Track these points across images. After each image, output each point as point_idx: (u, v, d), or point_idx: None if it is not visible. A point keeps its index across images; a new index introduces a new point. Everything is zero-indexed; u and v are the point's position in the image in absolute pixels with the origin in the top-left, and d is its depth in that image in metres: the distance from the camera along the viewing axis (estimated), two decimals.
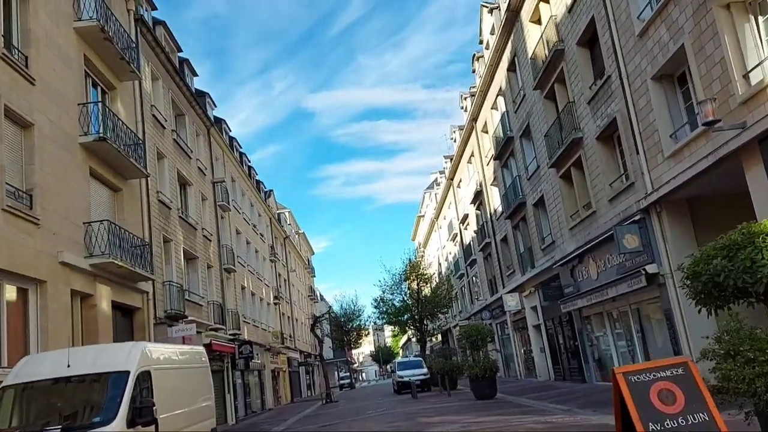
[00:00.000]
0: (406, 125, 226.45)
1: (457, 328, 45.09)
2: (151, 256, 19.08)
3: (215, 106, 31.88)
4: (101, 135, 15.40)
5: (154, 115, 21.16)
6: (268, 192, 48.31)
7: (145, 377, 8.79)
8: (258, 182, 44.14)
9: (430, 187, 61.38)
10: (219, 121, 32.95)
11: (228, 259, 28.77)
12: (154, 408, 8.33)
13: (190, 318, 21.25)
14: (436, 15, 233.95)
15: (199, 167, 26.52)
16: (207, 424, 11.20)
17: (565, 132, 19.38)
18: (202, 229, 25.78)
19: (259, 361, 33.12)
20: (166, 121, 22.47)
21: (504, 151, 27.54)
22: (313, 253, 76.16)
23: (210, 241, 26.68)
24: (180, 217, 22.75)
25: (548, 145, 21.14)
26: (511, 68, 25.16)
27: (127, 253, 16.43)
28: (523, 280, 27.00)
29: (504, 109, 27.13)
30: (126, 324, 17.68)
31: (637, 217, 14.97)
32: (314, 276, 71.95)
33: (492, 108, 29.47)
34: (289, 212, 61.27)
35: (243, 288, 32.26)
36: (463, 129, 36.95)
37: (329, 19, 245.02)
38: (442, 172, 51.67)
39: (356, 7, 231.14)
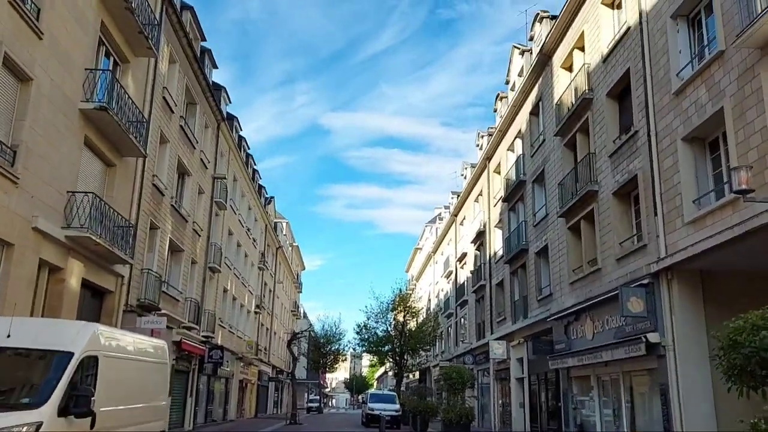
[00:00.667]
0: (419, 158, 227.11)
1: (438, 368, 43.89)
2: (134, 239, 18.27)
3: (230, 102, 31.35)
4: (104, 104, 14.71)
5: (164, 98, 20.52)
6: (269, 199, 47.61)
7: (91, 363, 7.92)
8: (260, 187, 43.44)
9: (432, 221, 60.72)
10: (231, 118, 32.40)
11: (215, 258, 27.87)
12: (92, 399, 7.42)
13: (163, 311, 20.30)
14: (464, 57, 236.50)
15: (201, 159, 25.81)
16: (156, 426, 10.23)
17: (581, 183, 18.69)
18: (194, 222, 24.96)
19: (228, 369, 31.96)
20: (176, 106, 21.83)
21: (514, 194, 26.83)
22: (304, 269, 75.09)
23: (199, 236, 25.83)
24: (172, 205, 21.95)
25: (561, 194, 20.42)
26: (534, 111, 24.61)
27: (109, 231, 15.61)
28: (513, 329, 26.01)
29: (521, 151, 26.51)
30: (94, 306, 16.76)
31: (645, 281, 14.14)
32: (301, 292, 70.76)
33: (508, 149, 28.87)
34: (286, 223, 60.49)
35: (225, 291, 31.28)
36: (475, 167, 36.32)
37: (360, 43, 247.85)
38: (446, 207, 51.00)
39: (389, 36, 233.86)
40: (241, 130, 34.77)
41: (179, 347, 22.65)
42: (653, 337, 13.56)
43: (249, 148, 37.88)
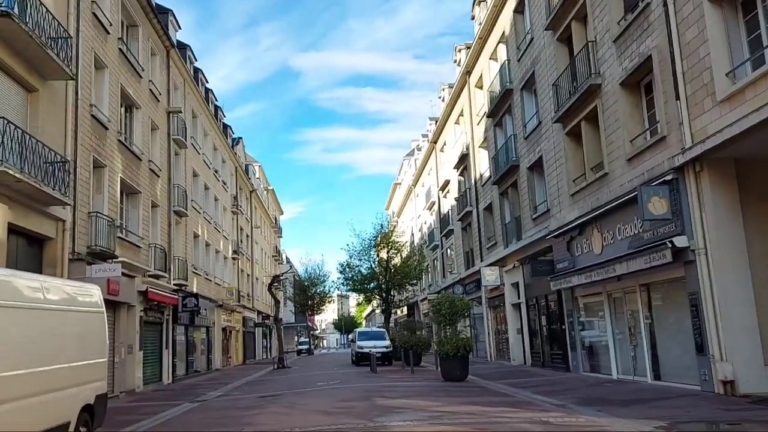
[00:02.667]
0: (392, 95, 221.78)
1: (426, 301, 42.61)
2: (74, 178, 15.86)
3: (179, 27, 28.16)
4: (6, 9, 11.98)
5: (94, 14, 17.62)
6: (237, 139, 44.72)
7: None
8: (226, 126, 40.52)
9: (410, 153, 58.30)
10: (183, 47, 29.28)
11: (179, 201, 25.46)
12: None
13: (121, 259, 18.06)
14: None
15: (151, 91, 23.00)
16: (88, 390, 8.19)
17: (580, 79, 16.48)
18: (150, 161, 22.40)
19: (208, 317, 30.09)
20: (111, 25, 18.90)
21: (500, 107, 24.55)
22: (282, 213, 72.79)
23: (158, 176, 23.31)
24: (120, 141, 19.36)
25: (556, 97, 18.22)
26: (519, 9, 22.08)
27: (38, 168, 13.18)
28: (505, 254, 24.31)
29: (505, 58, 24.06)
30: (32, 255, 14.46)
31: (668, 177, 12.17)
32: (281, 237, 68.72)
33: (491, 58, 26.39)
34: (259, 166, 57.75)
35: (196, 236, 29.01)
36: (453, 87, 33.78)
37: None
38: (425, 136, 48.61)
39: None
40: (196, 60, 31.67)
41: (146, 297, 20.56)
42: (680, 241, 11.71)
43: (207, 82, 34.81)
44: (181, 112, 26.15)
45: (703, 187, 11.49)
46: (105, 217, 17.48)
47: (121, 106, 20.29)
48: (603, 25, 15.29)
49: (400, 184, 63.11)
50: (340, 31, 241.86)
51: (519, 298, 23.37)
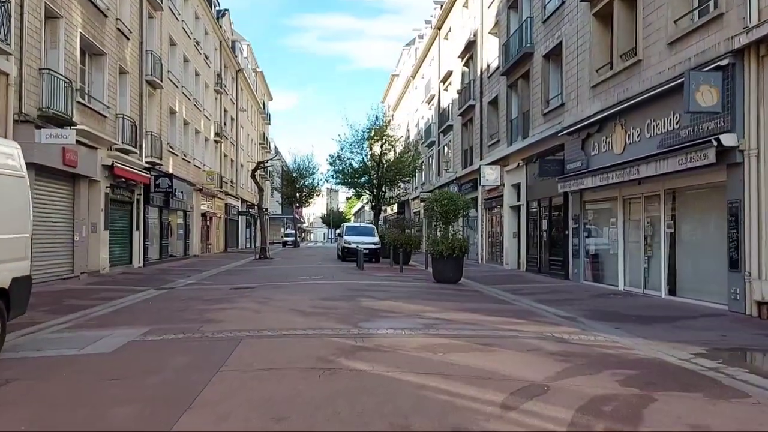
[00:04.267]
0: None
1: (418, 200, 41.19)
2: (21, 26, 13.52)
3: None
4: None
5: None
6: (223, 11, 41.06)
7: None
8: None
9: (411, 43, 54.54)
10: None
11: (153, 70, 22.96)
12: None
13: (81, 127, 16.02)
14: None
15: None
16: (5, 271, 6.53)
17: None
18: (117, 19, 19.73)
19: (185, 201, 28.43)
20: None
21: None
22: (271, 99, 69.50)
23: (128, 39, 20.71)
24: None
25: None
26: None
27: None
28: (508, 152, 22.43)
29: None
30: None
31: (723, 62, 10.13)
32: (269, 124, 65.94)
33: None
34: (248, 45, 54.06)
35: (173, 112, 26.70)
36: None
37: None
38: (428, 22, 45.06)
39: None
40: None
41: (112, 172, 18.70)
42: (728, 140, 9.88)
43: None
44: None
45: (764, 77, 9.52)
46: (61, 76, 15.24)
47: None
48: None
49: (398, 75, 59.78)
50: None
51: (519, 200, 21.80)
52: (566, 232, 17.23)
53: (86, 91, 17.83)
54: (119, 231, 20.48)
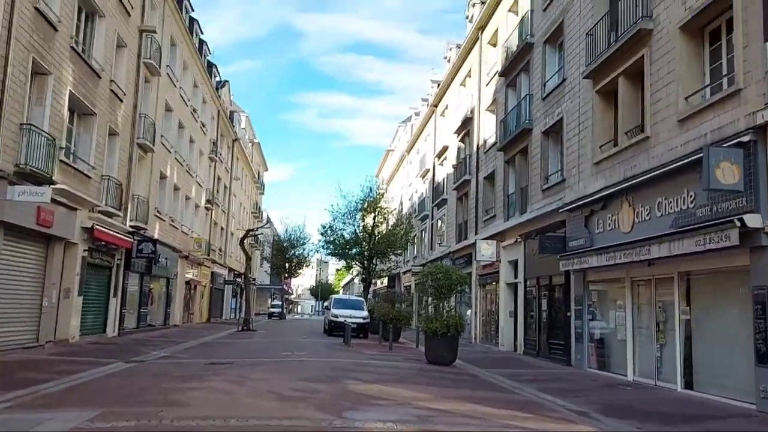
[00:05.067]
0: (393, 66, 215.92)
1: (409, 273, 40.22)
2: (3, 78, 12.97)
3: None
4: None
5: None
6: (223, 82, 41.41)
7: None
8: (211, 65, 37.26)
9: (407, 120, 55.11)
10: None
11: (145, 134, 22.48)
12: None
13: (61, 186, 15.25)
14: None
15: (121, 1, 19.85)
16: None
17: (623, 25, 13.76)
18: (111, 81, 19.38)
19: (169, 267, 27.32)
20: None
21: (515, 64, 21.77)
22: (267, 169, 69.55)
23: (121, 101, 20.31)
24: (73, 48, 16.34)
25: (589, 48, 15.51)
26: None
27: None
28: (505, 227, 21.80)
29: (528, 8, 21.19)
30: None
31: (744, 138, 9.58)
32: (263, 193, 65.63)
33: (509, 10, 23.51)
34: (246, 116, 54.42)
35: (163, 176, 26.06)
36: (461, 47, 30.80)
37: None
38: (424, 100, 45.60)
39: None
40: None
41: (92, 235, 17.76)
42: (752, 221, 9.18)
43: (193, 10, 31.45)
44: (155, 32, 23.00)
45: None
46: (44, 133, 14.57)
47: (80, 10, 17.23)
48: None
49: (393, 150, 60.13)
50: None
51: (516, 278, 20.93)
52: (568, 314, 16.25)
53: (71, 150, 17.16)
54: (94, 297, 19.31)
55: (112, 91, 19.46)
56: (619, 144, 14.12)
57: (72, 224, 16.48)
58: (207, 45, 35.60)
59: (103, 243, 18.88)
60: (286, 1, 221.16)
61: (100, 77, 18.38)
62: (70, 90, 16.29)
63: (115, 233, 19.47)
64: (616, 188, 13.60)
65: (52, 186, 14.48)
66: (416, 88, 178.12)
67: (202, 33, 34.11)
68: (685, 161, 10.89)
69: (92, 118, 18.15)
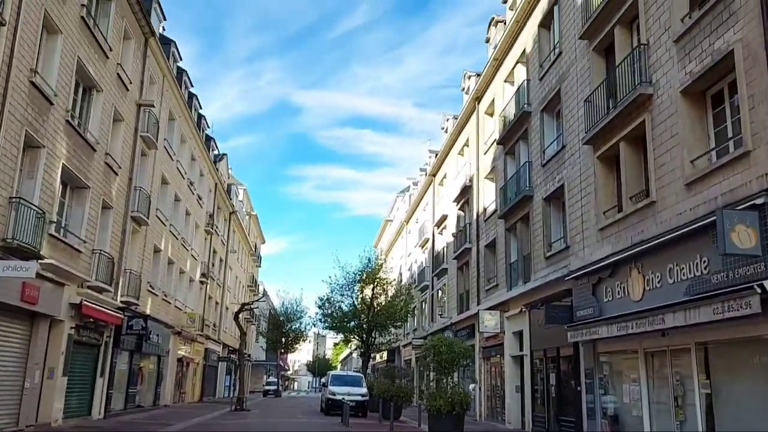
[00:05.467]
0: (391, 140, 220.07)
1: (409, 347, 39.07)
2: None
3: (164, 18, 25.47)
4: None
5: None
6: (221, 155, 41.71)
7: None
8: (209, 138, 37.59)
9: (405, 190, 55.31)
10: (167, 42, 26.52)
11: (140, 207, 22.19)
12: None
13: (49, 261, 14.76)
14: (438, 38, 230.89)
15: (119, 75, 20.03)
16: None
17: (622, 91, 13.73)
18: (107, 154, 19.25)
19: (161, 344, 26.37)
20: None
21: (513, 133, 21.82)
22: (264, 242, 69.26)
23: (116, 174, 20.13)
24: (68, 122, 16.26)
25: (588, 115, 15.48)
26: (546, 23, 19.60)
27: None
28: (508, 297, 21.19)
29: (523, 78, 21.45)
30: None
31: (758, 200, 9.22)
32: (259, 266, 65.04)
33: (506, 81, 23.82)
34: (244, 189, 54.63)
35: (157, 250, 25.59)
36: (458, 117, 31.19)
37: (331, 21, 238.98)
38: (422, 170, 45.86)
39: (361, 15, 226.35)
40: (181, 60, 28.83)
41: (79, 311, 17.07)
42: None
43: (192, 86, 31.96)
44: (153, 106, 23.15)
45: None
46: (34, 207, 14.22)
47: (77, 84, 17.29)
48: (660, 25, 12.62)
49: (391, 221, 60.03)
50: (344, 74, 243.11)
51: (522, 350, 20.12)
52: (578, 388, 15.42)
53: (62, 225, 16.79)
54: (80, 377, 18.40)
55: (107, 164, 19.31)
56: (623, 209, 13.78)
57: (59, 300, 15.86)
58: (206, 119, 36.06)
59: (91, 319, 18.17)
60: (286, 79, 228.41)
61: (95, 150, 18.26)
62: (63, 163, 16.07)
63: (104, 309, 18.78)
64: (624, 255, 13.15)
65: (39, 261, 14.01)
66: (414, 159, 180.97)
67: (201, 108, 34.55)
68: (696, 225, 10.50)
69: (85, 191, 17.88)
